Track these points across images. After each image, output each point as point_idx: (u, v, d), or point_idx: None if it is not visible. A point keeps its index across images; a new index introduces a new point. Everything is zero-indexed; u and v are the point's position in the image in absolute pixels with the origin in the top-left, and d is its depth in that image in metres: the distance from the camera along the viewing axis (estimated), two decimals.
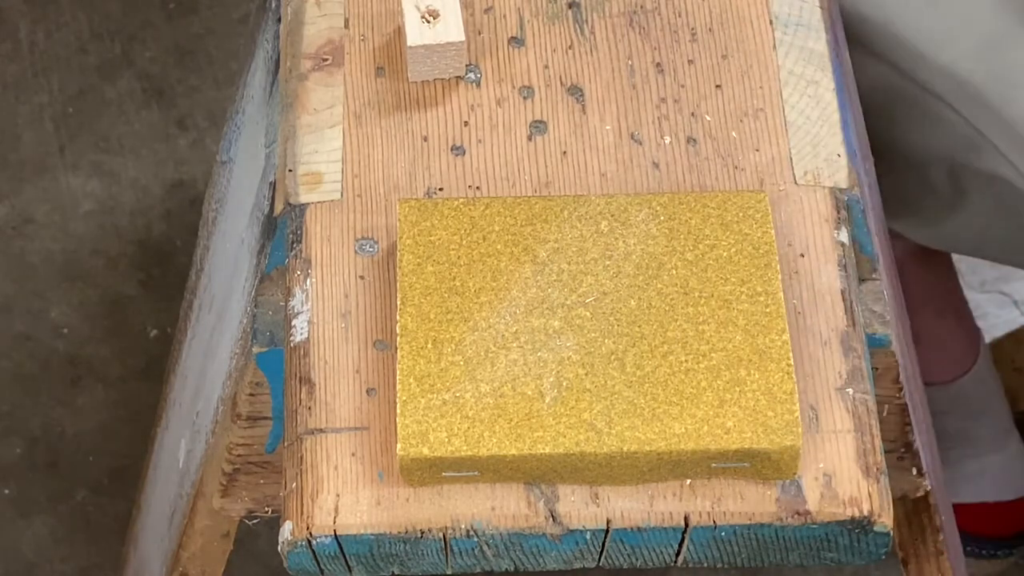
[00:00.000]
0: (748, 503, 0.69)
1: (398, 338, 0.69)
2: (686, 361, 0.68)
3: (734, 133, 0.79)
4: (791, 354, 0.69)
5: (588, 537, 0.70)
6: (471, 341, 0.69)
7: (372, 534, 0.69)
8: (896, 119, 1.03)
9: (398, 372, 0.69)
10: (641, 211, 0.70)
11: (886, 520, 0.70)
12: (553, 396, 0.68)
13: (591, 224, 0.70)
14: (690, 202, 0.71)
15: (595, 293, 0.69)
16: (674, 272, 0.69)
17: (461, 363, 0.68)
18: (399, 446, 0.68)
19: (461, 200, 0.72)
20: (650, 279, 0.69)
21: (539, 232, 0.70)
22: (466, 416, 0.68)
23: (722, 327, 0.69)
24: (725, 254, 0.70)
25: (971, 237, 1.14)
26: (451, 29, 0.78)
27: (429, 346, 0.69)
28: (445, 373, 0.68)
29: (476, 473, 0.68)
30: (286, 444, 0.72)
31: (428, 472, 0.68)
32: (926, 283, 1.38)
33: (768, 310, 0.70)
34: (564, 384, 0.68)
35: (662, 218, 0.70)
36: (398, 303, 0.70)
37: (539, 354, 0.68)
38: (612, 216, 0.70)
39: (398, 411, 0.68)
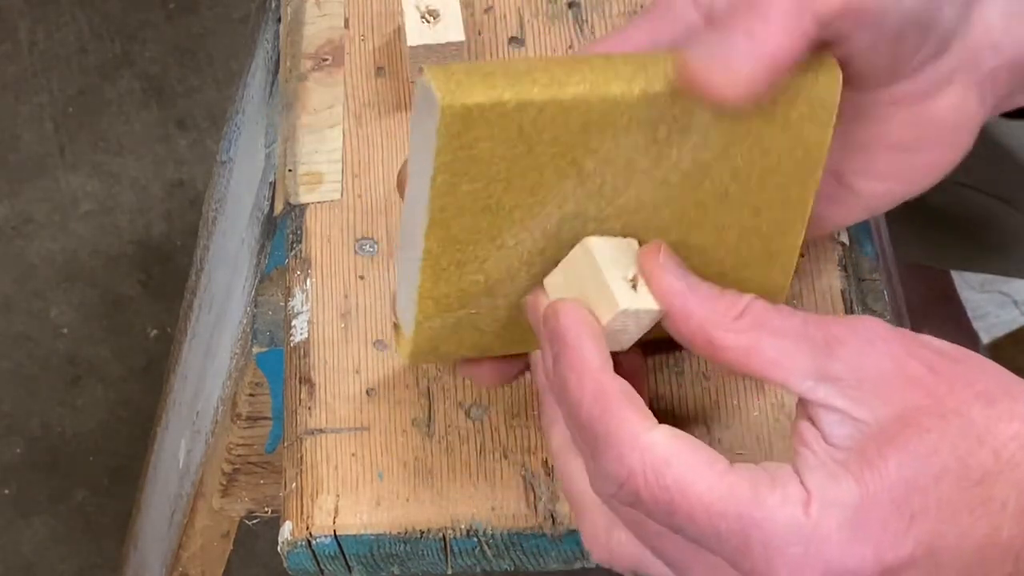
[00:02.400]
0: None
1: (419, 261, 0.64)
2: (698, 266, 0.65)
3: None
4: (797, 253, 0.68)
5: None
6: (496, 259, 0.65)
7: (372, 534, 0.69)
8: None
9: (417, 293, 0.65)
10: (706, 112, 0.63)
11: None
12: None
13: (649, 131, 0.63)
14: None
15: (632, 205, 0.65)
16: (718, 180, 0.65)
17: (482, 282, 0.65)
18: (408, 358, 0.67)
19: (513, 103, 0.61)
20: (691, 188, 0.65)
21: (592, 142, 0.63)
22: (478, 329, 0.66)
23: (744, 234, 0.67)
24: (775, 159, 0.65)
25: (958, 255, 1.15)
26: (451, 29, 0.78)
27: (452, 268, 0.64)
28: (464, 292, 0.65)
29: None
30: (286, 444, 0.72)
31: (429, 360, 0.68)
32: (924, 290, 1.39)
33: (794, 216, 0.67)
34: None
35: (727, 120, 0.63)
36: (424, 221, 0.63)
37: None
38: (673, 119, 0.63)
39: (412, 331, 0.66)
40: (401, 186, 0.65)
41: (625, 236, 0.65)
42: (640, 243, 0.65)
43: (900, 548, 0.55)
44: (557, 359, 0.60)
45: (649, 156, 0.63)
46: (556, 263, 0.65)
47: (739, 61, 0.59)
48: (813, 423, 0.57)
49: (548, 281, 0.64)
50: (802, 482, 0.56)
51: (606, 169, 0.63)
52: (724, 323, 0.59)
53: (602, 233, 0.65)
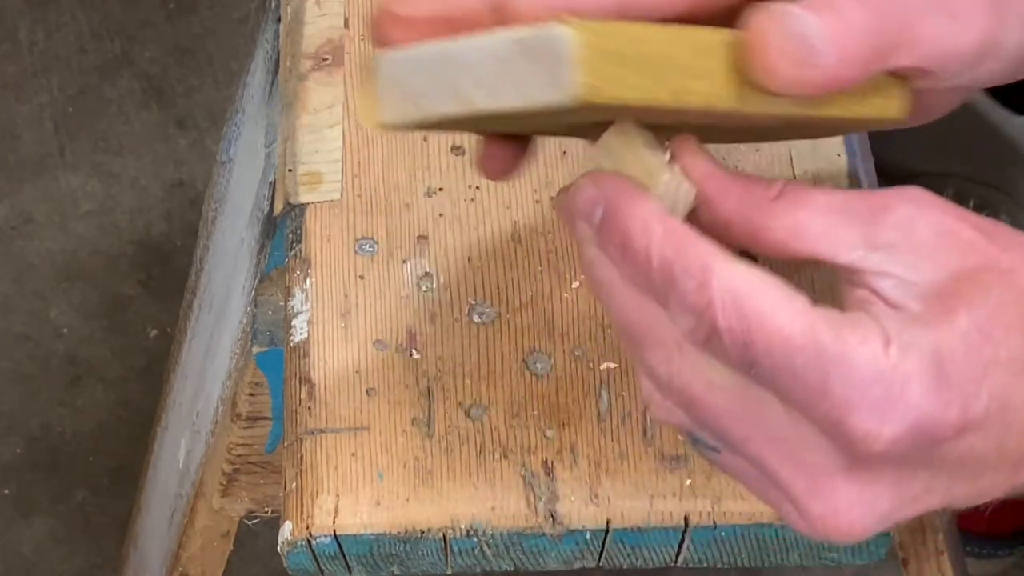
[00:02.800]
0: (748, 503, 0.69)
1: None
2: None
3: None
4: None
5: (588, 537, 0.70)
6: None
7: (372, 534, 0.69)
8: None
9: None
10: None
11: None
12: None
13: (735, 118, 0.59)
14: None
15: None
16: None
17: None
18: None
19: (636, 103, 0.54)
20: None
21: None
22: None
23: None
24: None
25: None
26: None
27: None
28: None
29: None
30: (286, 444, 0.72)
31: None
32: None
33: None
34: None
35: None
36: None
37: None
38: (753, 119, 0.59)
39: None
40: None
41: None
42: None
43: (979, 401, 0.53)
44: (611, 218, 0.56)
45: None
46: None
47: (806, 63, 0.56)
48: (871, 292, 0.56)
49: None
50: (881, 327, 0.54)
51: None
52: (764, 204, 0.56)
53: None
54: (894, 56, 0.58)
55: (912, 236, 0.55)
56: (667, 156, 0.58)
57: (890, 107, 0.61)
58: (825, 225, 0.56)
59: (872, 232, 0.55)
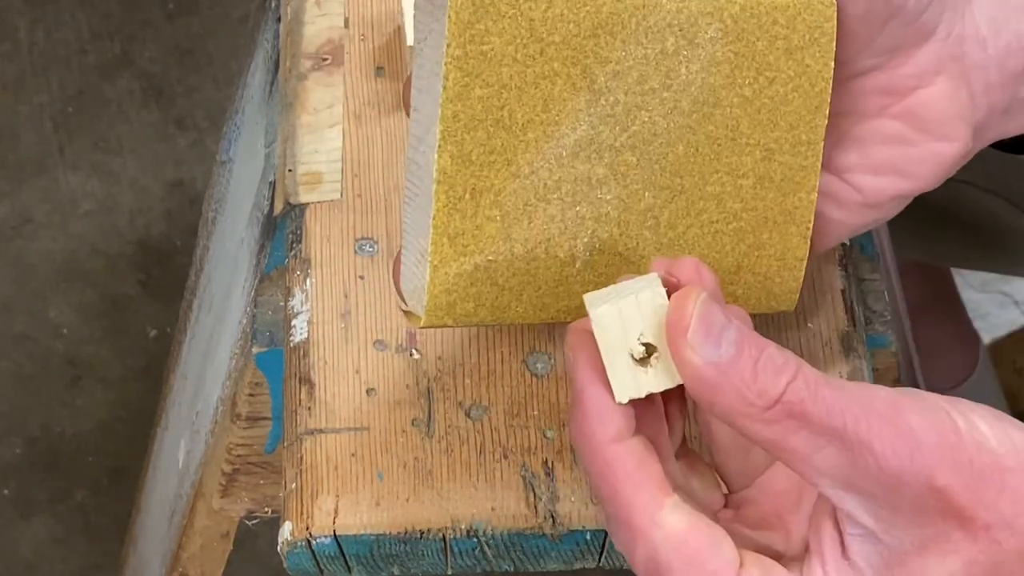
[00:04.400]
0: None
1: (434, 185, 0.62)
2: (717, 222, 0.65)
3: None
4: (813, 215, 0.66)
5: (588, 537, 0.70)
6: (511, 191, 0.63)
7: (372, 534, 0.69)
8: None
9: (431, 228, 0.62)
10: (711, 25, 0.63)
11: None
12: (584, 260, 0.64)
13: (657, 41, 0.63)
14: (760, 17, 0.64)
15: (646, 134, 0.64)
16: (728, 111, 0.64)
17: (498, 219, 0.63)
18: (424, 319, 0.64)
19: None
20: (704, 119, 0.64)
21: (602, 49, 0.62)
22: (496, 284, 0.64)
23: (759, 183, 0.65)
24: (782, 91, 0.65)
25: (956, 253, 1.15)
26: None
27: (467, 197, 0.62)
28: (480, 231, 0.63)
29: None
30: (286, 444, 0.72)
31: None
32: (924, 290, 1.39)
33: (806, 163, 0.66)
34: (597, 246, 0.64)
35: (731, 37, 0.63)
36: (436, 138, 0.61)
37: (577, 208, 0.64)
38: (680, 30, 0.63)
39: (427, 277, 0.63)
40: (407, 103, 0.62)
41: (641, 175, 0.64)
42: (656, 186, 0.64)
43: None
44: (572, 415, 0.58)
45: (659, 72, 0.63)
46: (572, 202, 0.63)
47: None
48: (835, 525, 0.55)
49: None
50: None
51: (618, 85, 0.63)
52: (754, 413, 0.54)
53: (617, 167, 0.63)
54: None
55: (896, 489, 0.53)
56: (649, 334, 0.57)
57: (819, 18, 0.64)
58: (811, 447, 0.54)
59: (857, 472, 0.54)
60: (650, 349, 0.57)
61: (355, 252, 0.75)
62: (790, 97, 0.65)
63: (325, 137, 0.78)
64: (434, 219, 0.62)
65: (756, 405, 0.54)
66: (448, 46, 0.60)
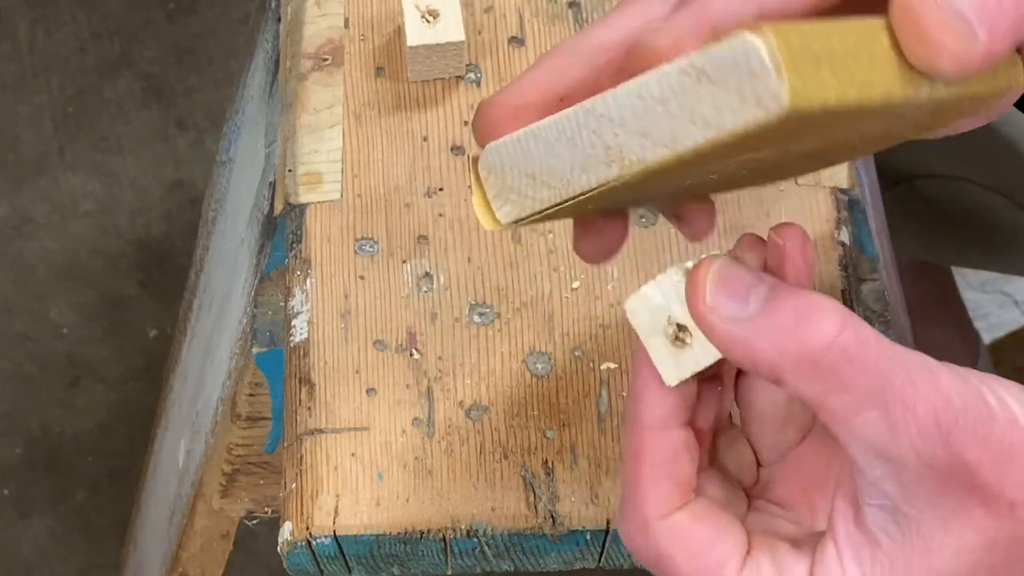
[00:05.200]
0: None
1: None
2: None
3: None
4: None
5: (588, 537, 0.70)
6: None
7: (372, 535, 0.69)
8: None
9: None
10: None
11: None
12: None
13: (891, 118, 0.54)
14: None
15: None
16: None
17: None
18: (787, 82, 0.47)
19: (838, 105, 0.49)
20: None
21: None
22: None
23: None
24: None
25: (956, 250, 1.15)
26: (451, 29, 0.78)
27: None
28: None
29: None
30: (286, 444, 0.72)
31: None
32: (924, 290, 1.39)
33: None
34: None
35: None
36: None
37: None
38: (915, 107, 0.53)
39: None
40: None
41: None
42: None
43: None
44: (631, 387, 0.58)
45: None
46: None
47: (967, 40, 0.52)
48: (853, 501, 0.55)
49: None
50: None
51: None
52: (798, 367, 0.52)
53: None
54: None
55: (930, 459, 0.52)
56: (685, 315, 0.55)
57: (1016, 76, 0.56)
58: (850, 409, 0.52)
59: (892, 438, 0.52)
60: (682, 328, 0.56)
61: (355, 252, 0.75)
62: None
63: (325, 137, 0.78)
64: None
65: (800, 358, 0.52)
66: (722, 143, 0.49)
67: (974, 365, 1.38)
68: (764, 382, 0.59)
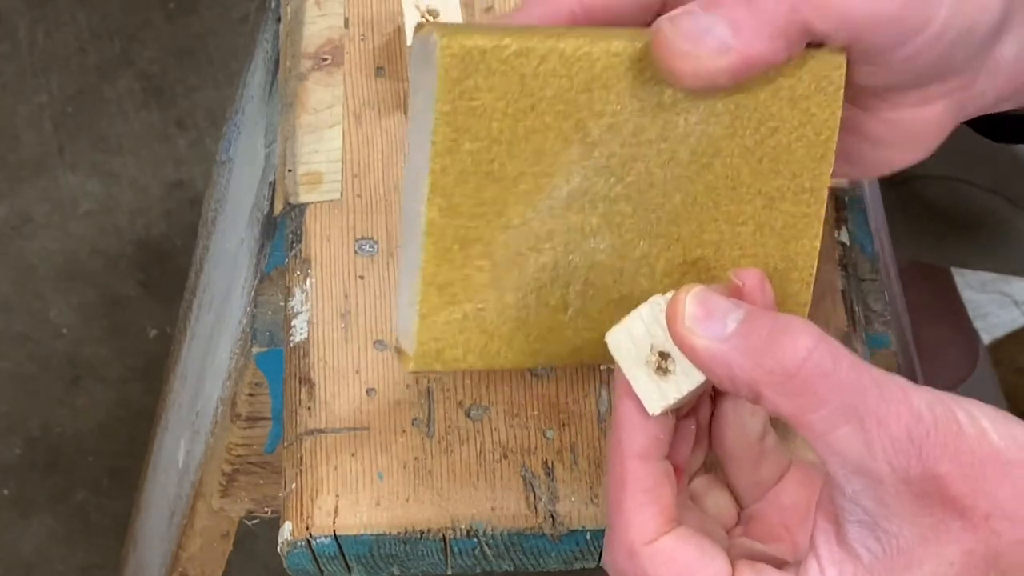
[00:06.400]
0: None
1: (423, 237, 0.61)
2: (714, 268, 0.64)
3: None
4: (816, 262, 0.65)
5: (588, 537, 0.70)
6: (502, 241, 0.62)
7: (372, 534, 0.69)
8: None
9: (420, 278, 0.62)
10: None
11: None
12: (577, 307, 0.64)
13: (654, 93, 0.61)
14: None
15: (641, 184, 0.63)
16: (728, 160, 0.63)
17: (488, 268, 0.62)
18: (412, 363, 0.63)
19: (513, 47, 0.60)
20: (702, 168, 0.63)
21: (596, 103, 0.61)
22: (485, 331, 0.63)
23: (759, 230, 0.64)
24: (785, 140, 0.63)
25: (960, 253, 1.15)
26: None
27: (455, 248, 0.61)
28: (469, 280, 0.62)
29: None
30: (285, 444, 0.72)
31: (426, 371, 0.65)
32: (924, 290, 1.39)
33: (809, 211, 0.64)
34: (590, 294, 0.64)
35: (733, 87, 0.61)
36: (425, 191, 0.61)
37: (570, 257, 0.63)
38: None
39: (415, 325, 0.62)
40: None
41: (636, 224, 0.63)
42: (652, 234, 0.63)
43: None
44: (609, 428, 0.60)
45: (656, 124, 0.62)
46: (565, 251, 0.63)
47: (709, 55, 0.58)
48: (834, 519, 0.56)
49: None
50: None
51: (612, 138, 0.61)
52: (775, 382, 0.55)
53: (611, 217, 0.63)
54: (807, 25, 0.58)
55: (906, 473, 0.54)
56: (665, 342, 0.58)
57: (824, 71, 0.62)
58: (828, 424, 0.54)
59: (871, 455, 0.54)
60: (664, 355, 0.58)
61: (355, 252, 0.75)
62: (794, 146, 0.63)
63: (325, 137, 0.78)
64: (422, 270, 0.61)
65: (776, 372, 0.54)
66: (437, 102, 0.59)
67: (974, 365, 1.38)
68: (736, 422, 0.62)
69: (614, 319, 0.62)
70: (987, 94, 0.64)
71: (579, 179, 0.62)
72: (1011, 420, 0.55)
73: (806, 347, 0.54)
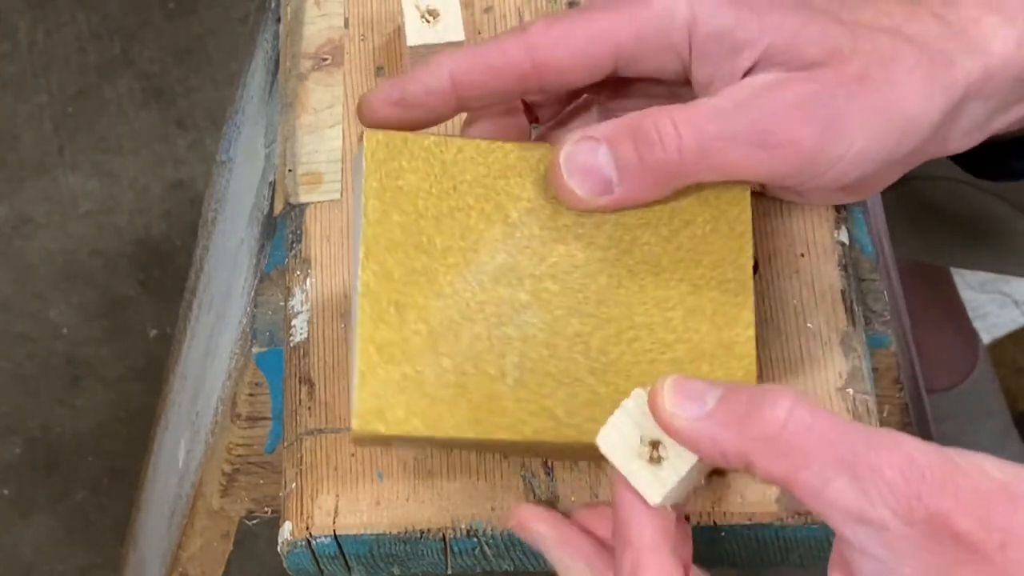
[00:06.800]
0: (748, 503, 0.69)
1: (358, 298, 0.64)
2: (651, 350, 0.65)
3: None
4: (755, 351, 0.66)
5: None
6: (436, 308, 0.64)
7: (372, 534, 0.69)
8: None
9: (357, 337, 0.64)
10: None
11: None
12: (515, 377, 0.65)
13: None
14: None
15: (565, 265, 0.65)
16: (647, 248, 0.65)
17: (424, 332, 0.64)
18: (355, 422, 0.64)
19: (432, 139, 0.66)
20: (622, 253, 0.65)
21: (512, 188, 0.66)
22: (426, 394, 0.64)
23: (690, 315, 0.65)
24: (700, 232, 0.66)
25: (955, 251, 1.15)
26: (451, 29, 0.78)
27: (392, 310, 0.64)
28: (407, 343, 0.64)
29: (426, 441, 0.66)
30: (286, 444, 0.72)
31: (379, 442, 0.66)
32: (923, 290, 1.39)
33: (737, 300, 0.66)
34: (528, 365, 0.65)
35: None
36: (360, 256, 0.65)
37: (504, 329, 0.65)
38: None
39: (355, 382, 0.64)
40: None
41: (565, 302, 0.65)
42: (582, 313, 0.65)
43: None
44: (614, 534, 0.60)
45: (571, 211, 0.65)
46: (498, 323, 0.65)
47: (590, 197, 0.64)
48: (849, 567, 0.56)
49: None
50: None
51: (532, 220, 0.65)
52: (761, 448, 0.55)
53: (539, 294, 0.65)
54: (697, 179, 0.63)
55: (909, 514, 0.54)
56: (653, 431, 0.60)
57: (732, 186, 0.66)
58: (821, 480, 0.55)
59: (868, 501, 0.54)
60: (655, 443, 0.60)
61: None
62: (710, 238, 0.66)
63: (325, 137, 0.78)
64: (360, 327, 0.64)
65: (760, 438, 0.55)
66: (366, 179, 0.65)
67: (974, 365, 1.38)
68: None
69: (554, 393, 0.64)
70: (952, 146, 0.64)
71: (504, 255, 0.65)
72: (1011, 463, 0.55)
73: (785, 408, 0.55)
